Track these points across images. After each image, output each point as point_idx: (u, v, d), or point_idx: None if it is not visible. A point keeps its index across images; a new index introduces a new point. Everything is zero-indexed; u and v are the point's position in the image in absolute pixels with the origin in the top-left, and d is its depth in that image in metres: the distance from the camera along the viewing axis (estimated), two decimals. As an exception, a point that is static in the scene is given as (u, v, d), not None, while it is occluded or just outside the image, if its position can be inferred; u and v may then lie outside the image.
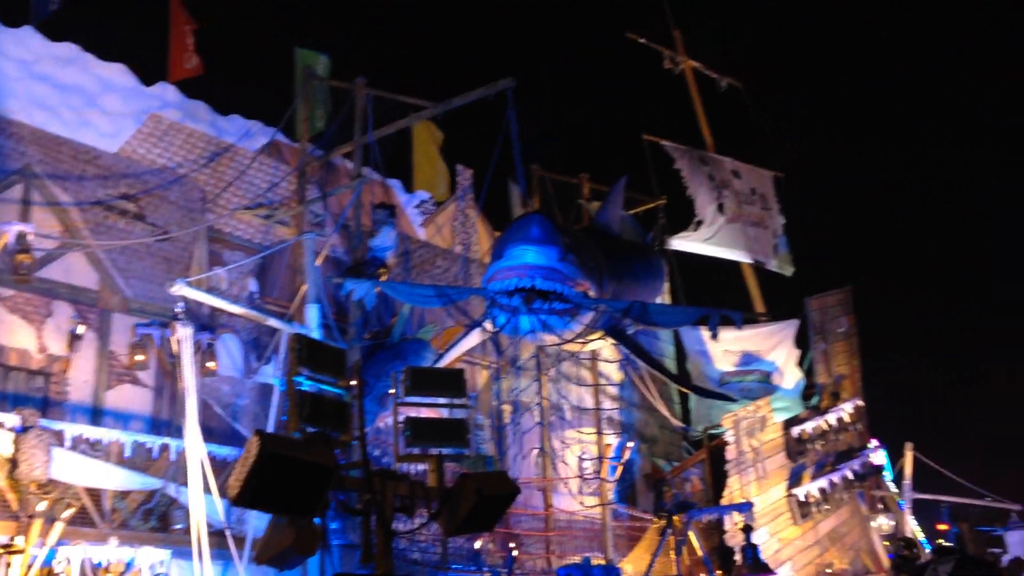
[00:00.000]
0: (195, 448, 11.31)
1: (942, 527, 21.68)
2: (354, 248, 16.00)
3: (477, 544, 14.10)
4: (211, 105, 17.45)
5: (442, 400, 10.30)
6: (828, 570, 20.78)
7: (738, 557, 18.18)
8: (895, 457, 22.42)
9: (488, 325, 15.25)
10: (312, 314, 13.75)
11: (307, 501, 8.20)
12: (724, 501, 20.93)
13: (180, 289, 12.27)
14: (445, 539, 14.29)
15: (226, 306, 13.82)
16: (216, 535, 12.36)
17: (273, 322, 13.76)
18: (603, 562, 17.16)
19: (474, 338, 16.44)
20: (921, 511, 22.53)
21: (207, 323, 15.06)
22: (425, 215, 20.27)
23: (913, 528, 21.92)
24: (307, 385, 8.66)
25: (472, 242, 19.80)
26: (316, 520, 9.03)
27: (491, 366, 18.41)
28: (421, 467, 9.84)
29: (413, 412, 10.15)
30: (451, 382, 10.24)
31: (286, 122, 16.58)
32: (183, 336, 11.48)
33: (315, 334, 13.27)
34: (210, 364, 14.54)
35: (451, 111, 16.02)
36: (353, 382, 9.58)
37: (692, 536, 18.04)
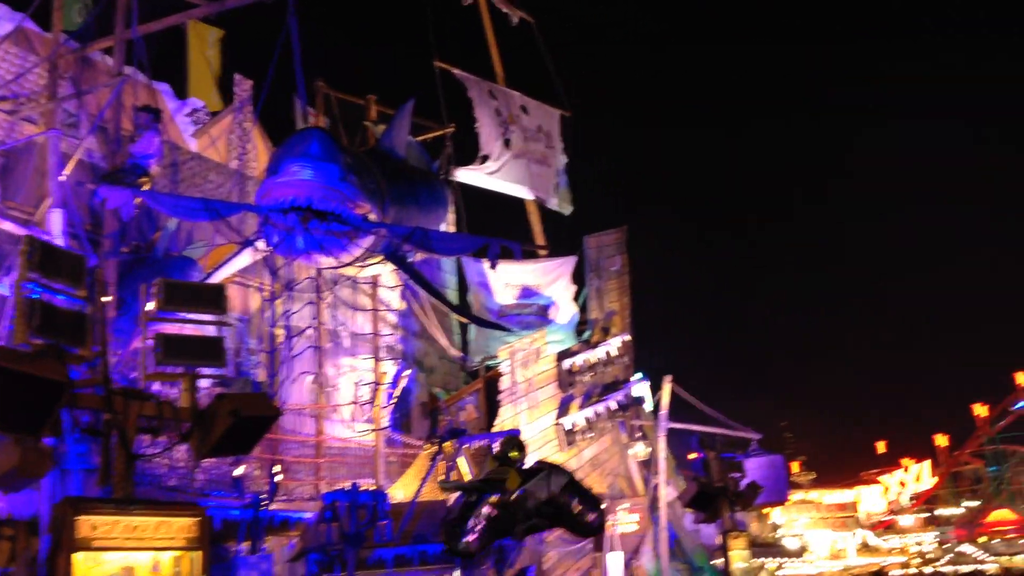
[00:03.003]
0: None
1: (692, 456, 23.39)
2: (112, 153, 14.66)
3: (238, 470, 13.58)
4: (-55, -19, 15.27)
5: (200, 317, 9.70)
6: (588, 494, 21.97)
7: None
8: (655, 389, 23.77)
9: (261, 244, 14.57)
10: (55, 220, 12.48)
11: (33, 419, 7.48)
12: (495, 429, 21.49)
13: None
14: (196, 462, 13.62)
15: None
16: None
17: (9, 226, 12.38)
18: (371, 487, 17.12)
19: (246, 258, 15.70)
20: (674, 439, 24.15)
21: (-66, 227, 13.36)
22: (198, 125, 18.92)
23: (667, 456, 23.48)
24: (38, 292, 7.84)
25: (249, 158, 18.75)
26: (50, 440, 8.31)
27: (262, 288, 17.66)
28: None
29: (175, 329, 9.50)
30: (210, 298, 9.65)
31: (36, 8, 14.80)
32: None
33: (59, 243, 12.07)
34: (-63, 271, 12.95)
35: (227, 13, 14.94)
36: (107, 298, 8.80)
37: (461, 462, 18.39)
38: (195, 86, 19.59)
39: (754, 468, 22.61)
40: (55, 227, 12.50)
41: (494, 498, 9.66)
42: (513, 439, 11.33)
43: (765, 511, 42.53)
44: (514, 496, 10.04)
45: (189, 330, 10.26)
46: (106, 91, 14.68)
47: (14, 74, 15.13)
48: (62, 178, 13.18)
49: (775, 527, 45.94)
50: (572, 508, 10.20)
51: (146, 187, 14.52)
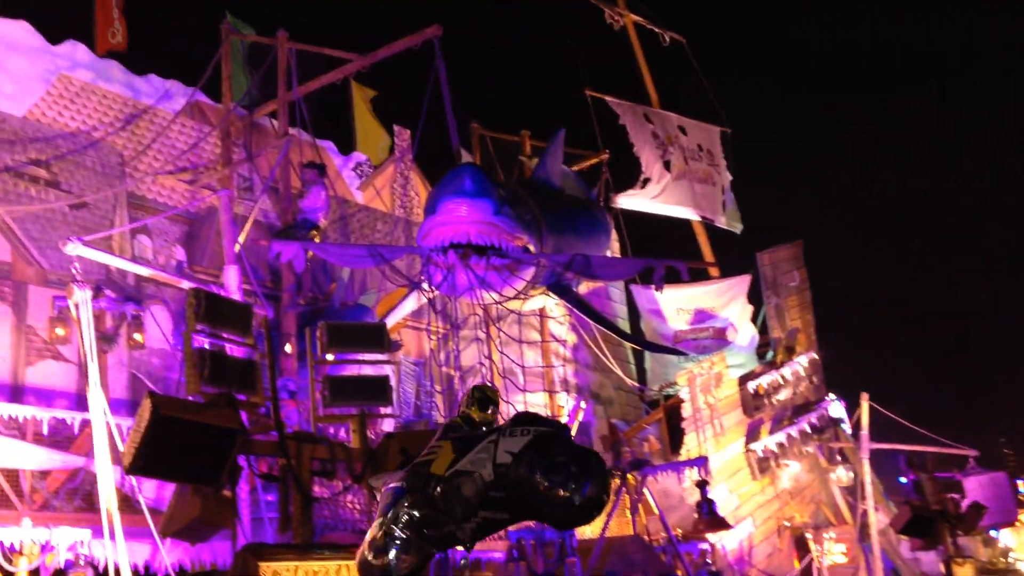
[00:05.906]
0: (100, 419, 10.58)
1: (902, 478, 21.63)
2: (284, 211, 15.31)
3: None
4: (125, 65, 16.58)
5: (363, 356, 9.78)
6: (787, 523, 20.65)
7: (695, 513, 17.93)
8: (852, 408, 22.24)
9: (426, 285, 14.71)
10: (231, 277, 13.04)
11: (210, 468, 7.63)
12: (681, 458, 20.67)
13: (75, 249, 11.46)
14: (372, 504, 13.70)
15: (127, 266, 13.10)
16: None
17: (186, 284, 13.05)
18: (556, 524, 16.71)
19: (413, 301, 15.91)
20: (879, 461, 22.43)
21: (133, 294, 14.33)
22: (362, 178, 19.56)
23: (872, 479, 21.80)
24: (207, 342, 8.09)
25: (412, 204, 19.15)
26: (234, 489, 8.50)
27: (428, 329, 17.83)
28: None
29: (342, 371, 9.60)
30: (373, 337, 9.74)
31: (207, 81, 15.79)
32: (80, 300, 10.67)
33: (235, 298, 12.61)
34: (137, 336, 13.83)
35: (380, 66, 15.42)
36: (289, 348, 9.01)
37: (647, 494, 17.73)
38: (361, 140, 20.31)
39: (975, 488, 20.60)
40: (231, 283, 13.10)
41: (410, 497, 5.99)
42: (482, 387, 6.75)
43: (992, 534, 38.86)
44: (443, 484, 6.06)
45: (358, 371, 10.37)
46: (274, 152, 15.39)
47: (190, 145, 16.16)
48: (237, 247, 13.82)
49: (1006, 551, 41.82)
50: (536, 485, 5.70)
51: (316, 240, 15.03)
